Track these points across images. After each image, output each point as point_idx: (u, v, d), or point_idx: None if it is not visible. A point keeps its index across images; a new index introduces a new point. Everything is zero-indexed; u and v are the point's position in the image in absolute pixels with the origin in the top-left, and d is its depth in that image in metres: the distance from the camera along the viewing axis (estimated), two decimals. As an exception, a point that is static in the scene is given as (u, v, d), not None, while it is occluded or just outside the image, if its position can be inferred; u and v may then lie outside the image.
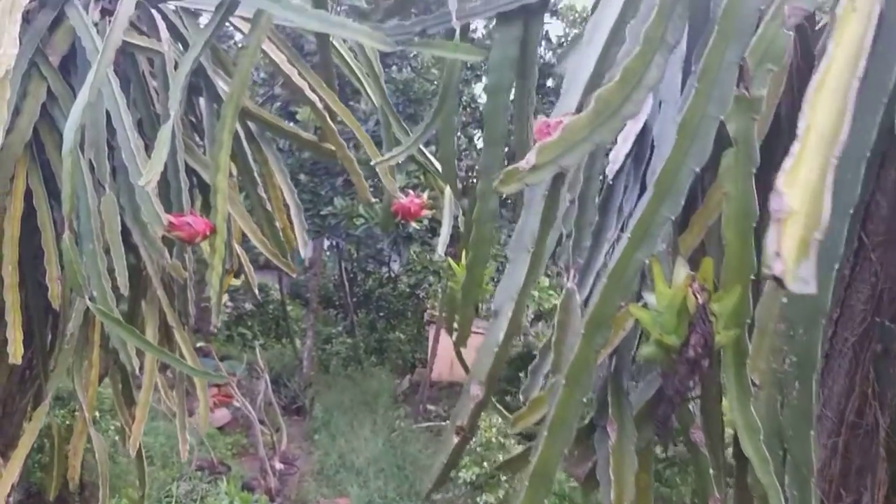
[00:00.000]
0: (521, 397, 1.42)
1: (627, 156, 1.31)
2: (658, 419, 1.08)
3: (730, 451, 1.39)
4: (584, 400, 1.13)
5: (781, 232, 0.51)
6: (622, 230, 1.35)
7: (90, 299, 2.03)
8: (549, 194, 1.20)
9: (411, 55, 7.84)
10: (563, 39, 8.52)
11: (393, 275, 11.13)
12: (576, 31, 8.57)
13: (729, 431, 1.41)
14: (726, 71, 1.08)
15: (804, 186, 0.53)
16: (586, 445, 1.25)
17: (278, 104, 7.47)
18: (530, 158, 0.99)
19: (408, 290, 11.01)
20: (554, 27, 8.73)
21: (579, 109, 1.10)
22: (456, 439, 1.19)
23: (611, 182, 1.33)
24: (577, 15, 8.52)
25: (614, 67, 1.12)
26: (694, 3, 1.16)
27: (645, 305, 1.16)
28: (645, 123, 1.31)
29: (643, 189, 1.27)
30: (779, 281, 0.51)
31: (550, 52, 8.52)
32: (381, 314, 11.23)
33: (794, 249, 0.51)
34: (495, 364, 1.17)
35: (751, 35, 1.08)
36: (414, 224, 3.18)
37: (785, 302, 1.17)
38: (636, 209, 1.12)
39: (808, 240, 0.51)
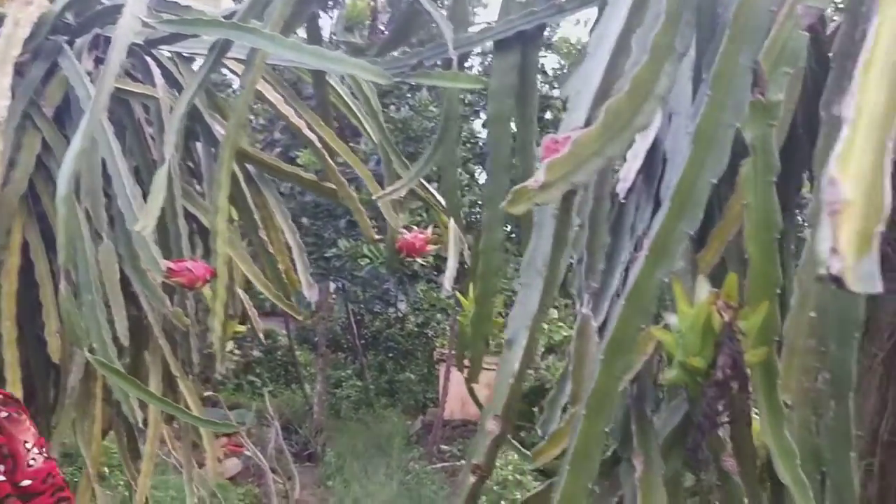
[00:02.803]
0: (539, 431, 1.35)
1: (638, 173, 1.26)
2: (688, 448, 1.01)
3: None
4: (607, 430, 1.07)
5: (838, 225, 0.45)
6: (635, 251, 1.30)
7: (89, 351, 1.98)
8: (560, 214, 1.15)
9: (408, 93, 7.86)
10: (558, 72, 8.53)
11: (400, 315, 11.04)
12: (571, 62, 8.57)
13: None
14: (740, 76, 1.03)
15: (859, 173, 0.47)
16: (610, 479, 1.18)
17: (279, 149, 7.46)
18: (539, 176, 0.94)
19: (416, 329, 10.92)
20: (549, 60, 8.75)
21: (588, 124, 1.06)
22: (473, 479, 1.12)
23: (623, 201, 1.28)
24: (571, 47, 8.54)
25: (622, 79, 1.07)
26: (701, 9, 1.12)
27: (666, 327, 1.10)
28: (655, 138, 1.26)
29: (657, 206, 1.22)
30: (837, 281, 0.45)
31: (547, 86, 8.53)
32: (391, 355, 11.12)
33: (853, 244, 0.45)
34: (511, 397, 1.11)
35: (764, 37, 1.04)
36: (420, 261, 3.12)
37: (814, 316, 1.11)
38: (651, 227, 1.07)
39: (868, 233, 0.46)
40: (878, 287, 0.45)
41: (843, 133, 0.50)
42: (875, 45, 0.53)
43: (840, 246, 0.45)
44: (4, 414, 1.27)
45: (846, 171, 0.47)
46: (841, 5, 1.47)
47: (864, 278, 0.45)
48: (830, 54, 1.18)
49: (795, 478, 1.05)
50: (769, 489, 1.17)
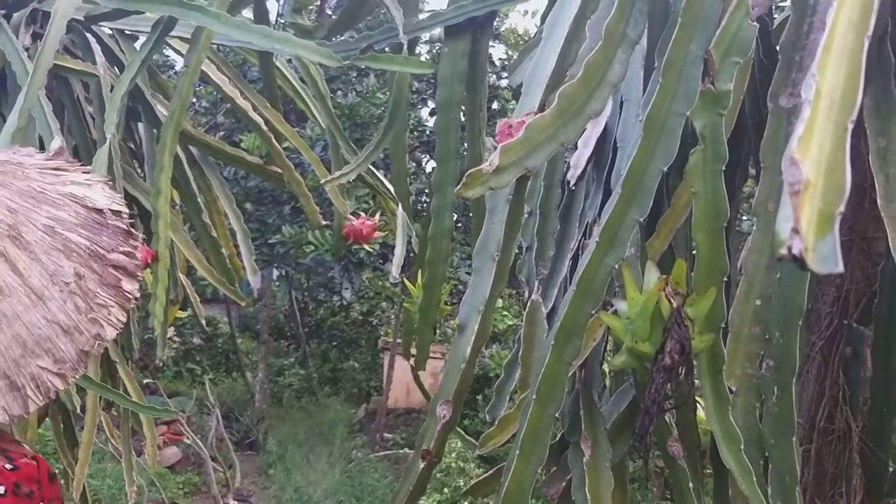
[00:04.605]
0: (487, 417, 1.35)
1: (588, 160, 1.27)
2: (636, 432, 1.02)
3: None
4: (557, 415, 1.07)
5: (799, 205, 0.45)
6: (585, 238, 1.30)
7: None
8: (513, 199, 1.15)
9: (355, 79, 7.80)
10: (505, 63, 8.55)
11: (345, 303, 10.98)
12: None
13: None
14: (691, 65, 1.04)
15: (819, 155, 0.48)
16: (558, 463, 1.19)
17: (222, 133, 7.35)
18: (494, 160, 0.94)
19: (360, 317, 10.87)
20: (496, 51, 8.77)
21: (542, 108, 1.05)
22: (422, 464, 1.11)
23: (572, 188, 1.28)
24: (518, 38, 8.57)
25: (576, 65, 1.07)
26: (653, -2, 1.13)
27: (615, 313, 1.11)
28: (605, 126, 1.27)
29: (606, 194, 1.23)
30: (799, 261, 0.45)
31: (494, 76, 8.54)
32: (334, 343, 11.05)
33: (814, 224, 0.46)
34: (462, 382, 1.11)
35: (714, 27, 1.05)
36: (367, 247, 3.10)
37: (759, 304, 1.13)
38: (602, 213, 1.07)
39: (829, 213, 0.46)
40: (839, 267, 0.45)
41: (804, 114, 0.50)
42: (833, 26, 0.53)
43: (800, 226, 0.45)
44: None
45: (807, 152, 0.48)
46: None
47: (825, 259, 0.45)
48: (777, 46, 1.19)
49: (739, 463, 1.07)
50: (713, 474, 1.19)
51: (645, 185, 1.04)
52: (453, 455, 5.55)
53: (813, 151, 0.48)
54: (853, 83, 0.51)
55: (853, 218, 1.47)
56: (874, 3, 0.55)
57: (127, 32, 2.61)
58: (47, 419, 2.62)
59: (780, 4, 1.44)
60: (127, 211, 1.10)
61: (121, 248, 1.03)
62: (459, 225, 6.91)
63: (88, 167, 1.24)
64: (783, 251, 0.45)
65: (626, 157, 1.09)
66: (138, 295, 1.03)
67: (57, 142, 1.25)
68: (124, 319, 0.97)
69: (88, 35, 2.49)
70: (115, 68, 2.55)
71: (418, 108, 7.95)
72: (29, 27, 2.45)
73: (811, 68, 0.51)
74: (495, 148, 0.99)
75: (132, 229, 1.09)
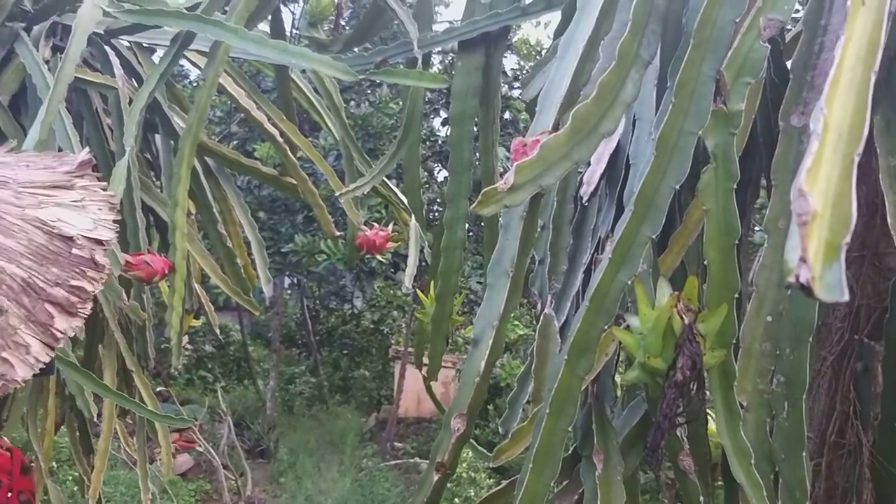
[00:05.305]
0: (500, 429, 1.37)
1: (601, 177, 1.29)
2: (648, 446, 1.04)
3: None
4: (569, 429, 1.08)
5: (806, 236, 0.47)
6: (597, 253, 1.32)
7: (44, 344, 1.94)
8: (527, 216, 1.17)
9: (368, 90, 7.84)
10: (518, 73, 8.58)
11: (356, 311, 11.01)
12: (531, 63, 8.61)
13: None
14: (703, 85, 1.06)
15: (827, 186, 0.50)
16: (570, 477, 1.20)
17: (235, 142, 7.40)
18: (509, 179, 0.96)
19: (371, 326, 10.89)
20: (508, 61, 8.80)
21: (556, 127, 1.07)
22: (436, 476, 1.13)
23: (585, 204, 1.30)
24: (531, 49, 8.60)
25: (589, 84, 1.09)
26: (666, 19, 1.15)
27: (627, 328, 1.12)
28: (618, 143, 1.29)
29: (619, 210, 1.24)
30: (806, 289, 0.47)
31: (506, 86, 8.57)
32: (345, 352, 11.08)
33: (821, 254, 0.47)
34: (476, 396, 1.12)
35: (726, 48, 1.06)
36: (379, 257, 3.13)
37: (770, 320, 1.14)
38: (615, 230, 1.09)
39: (836, 244, 0.48)
40: (844, 296, 0.47)
41: (812, 146, 0.52)
42: (841, 60, 0.55)
43: (808, 256, 0.47)
44: None
45: (814, 184, 0.50)
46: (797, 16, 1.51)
47: (831, 287, 0.47)
48: (788, 64, 1.21)
49: (750, 477, 1.08)
50: (724, 488, 1.20)
51: (657, 202, 1.06)
52: (464, 465, 5.55)
53: (821, 183, 0.50)
54: (860, 117, 0.53)
55: (864, 234, 1.48)
56: (881, 38, 0.57)
57: (145, 45, 2.64)
58: (63, 427, 2.65)
59: (794, 16, 1.44)
60: (110, 237, 1.05)
61: (70, 282, 0.96)
62: (471, 234, 6.94)
63: (101, 184, 1.23)
64: (791, 279, 0.47)
65: (639, 175, 1.11)
66: (72, 334, 0.96)
67: (84, 154, 1.24)
68: (46, 360, 0.90)
69: (107, 48, 2.52)
70: (133, 80, 2.59)
71: (430, 119, 7.99)
72: (49, 40, 2.49)
73: (819, 102, 0.53)
74: (508, 159, 1.01)
75: (99, 259, 1.02)
